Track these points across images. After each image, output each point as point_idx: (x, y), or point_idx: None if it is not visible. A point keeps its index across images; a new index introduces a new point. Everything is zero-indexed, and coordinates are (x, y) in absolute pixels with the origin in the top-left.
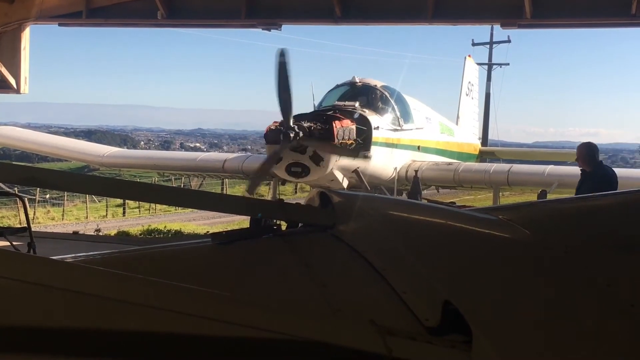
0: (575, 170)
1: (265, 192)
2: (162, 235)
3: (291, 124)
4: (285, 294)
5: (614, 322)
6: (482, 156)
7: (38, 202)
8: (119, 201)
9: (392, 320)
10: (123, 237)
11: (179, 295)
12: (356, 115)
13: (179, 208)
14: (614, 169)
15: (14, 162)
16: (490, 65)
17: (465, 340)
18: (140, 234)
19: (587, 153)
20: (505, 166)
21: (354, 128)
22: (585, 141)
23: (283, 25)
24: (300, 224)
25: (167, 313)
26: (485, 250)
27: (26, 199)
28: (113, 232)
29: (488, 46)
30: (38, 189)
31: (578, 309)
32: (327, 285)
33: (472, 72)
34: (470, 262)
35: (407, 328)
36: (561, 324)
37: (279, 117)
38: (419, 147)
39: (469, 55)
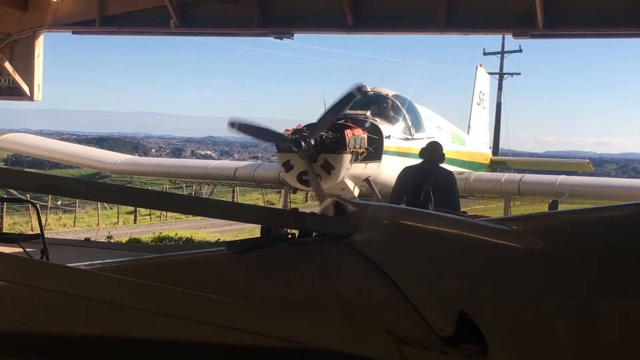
0: (588, 180)
1: (275, 200)
2: (173, 243)
3: (312, 139)
4: (301, 303)
5: (629, 332)
6: (493, 165)
7: (50, 208)
8: (130, 208)
9: (407, 329)
10: (135, 244)
11: (195, 304)
12: (367, 124)
13: (190, 215)
14: (625, 179)
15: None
16: (501, 75)
17: (480, 351)
18: (152, 241)
19: (435, 155)
20: (516, 176)
21: (366, 137)
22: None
23: (295, 34)
24: (314, 233)
25: (184, 321)
26: (500, 260)
27: (38, 205)
28: (124, 239)
29: (499, 56)
30: (50, 195)
31: (593, 320)
32: (342, 294)
33: (484, 82)
34: (485, 272)
35: (422, 338)
36: (576, 335)
37: (290, 125)
38: None
39: (481, 65)
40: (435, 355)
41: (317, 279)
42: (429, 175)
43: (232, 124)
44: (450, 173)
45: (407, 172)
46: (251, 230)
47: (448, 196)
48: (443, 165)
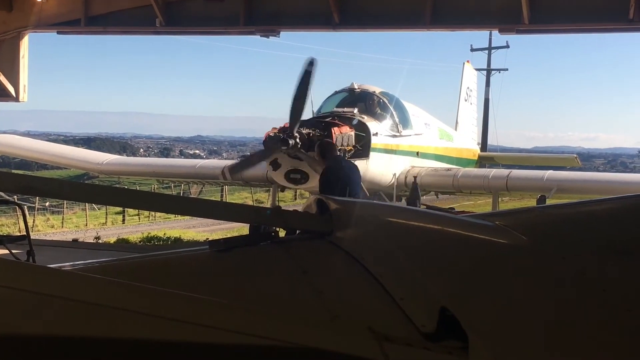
0: (576, 175)
1: (264, 198)
2: (161, 243)
3: (294, 132)
4: (283, 301)
5: (611, 327)
6: (481, 161)
7: (37, 210)
8: (119, 209)
9: (389, 326)
10: (122, 244)
11: (177, 303)
12: (355, 122)
13: (178, 215)
14: (612, 173)
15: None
16: (489, 71)
17: (461, 347)
18: (140, 242)
19: (321, 152)
20: (504, 172)
21: (353, 134)
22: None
23: (281, 32)
24: (297, 231)
25: (166, 321)
26: (482, 256)
27: (25, 207)
28: (112, 240)
29: (487, 52)
30: (37, 197)
31: (575, 314)
32: (324, 292)
33: (471, 78)
34: (467, 268)
35: (404, 334)
36: (558, 329)
37: (278, 124)
38: (417, 153)
39: (468, 61)
40: (416, 351)
41: (299, 277)
42: (351, 168)
43: (310, 64)
44: (355, 165)
45: (333, 171)
46: (240, 229)
47: (358, 187)
48: (437, 162)
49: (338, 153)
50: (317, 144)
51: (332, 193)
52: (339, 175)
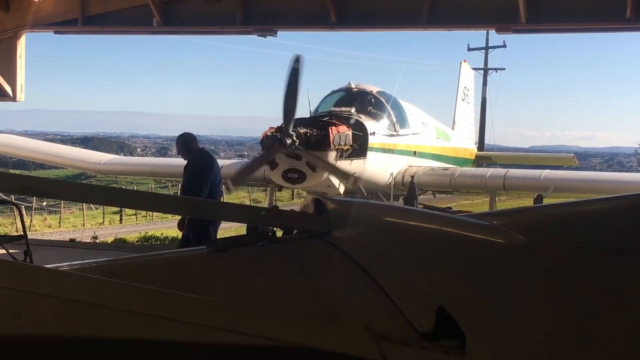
0: (572, 174)
1: (261, 198)
2: (159, 242)
3: (290, 131)
4: (280, 301)
5: (608, 326)
6: (478, 161)
7: (35, 209)
8: (116, 208)
9: (387, 326)
10: (120, 244)
11: (174, 303)
12: (352, 121)
13: (176, 215)
14: (610, 172)
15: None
16: (486, 70)
17: (459, 346)
18: (137, 241)
19: (182, 144)
20: (501, 171)
21: (350, 134)
22: (183, 132)
23: (279, 32)
24: (295, 231)
25: (163, 321)
26: (479, 255)
27: (22, 206)
28: (110, 240)
29: (484, 51)
30: (35, 196)
31: (572, 314)
32: (321, 292)
33: (468, 77)
34: (464, 267)
35: (401, 334)
36: (555, 329)
37: (276, 123)
38: (415, 153)
39: (465, 61)
40: (413, 350)
41: (297, 277)
42: (213, 162)
43: (296, 61)
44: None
45: (206, 162)
46: (238, 229)
47: (219, 182)
48: (434, 161)
49: (200, 146)
50: (178, 136)
51: (195, 187)
52: (212, 170)
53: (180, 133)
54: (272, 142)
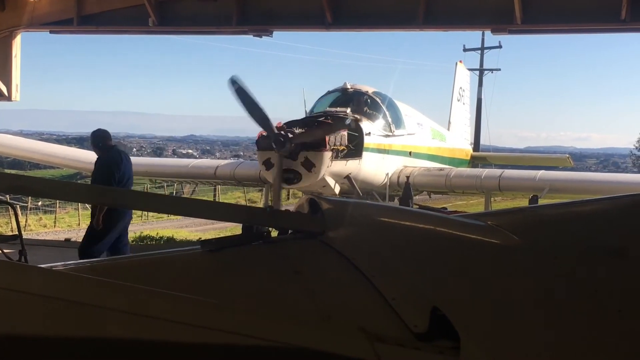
0: (568, 175)
1: (257, 198)
2: (154, 242)
3: (275, 131)
4: (275, 301)
5: (602, 327)
6: (474, 161)
7: (30, 209)
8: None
9: (381, 326)
10: None
11: (168, 303)
12: (348, 121)
13: (171, 215)
14: (605, 173)
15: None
16: (481, 71)
17: (453, 346)
18: (132, 241)
19: (93, 141)
20: (496, 171)
21: (346, 134)
22: (97, 129)
23: (274, 32)
24: (290, 231)
25: (157, 321)
26: (474, 256)
27: (18, 206)
28: None
29: (479, 52)
30: (30, 196)
31: (566, 314)
32: (316, 292)
33: (464, 78)
34: (459, 268)
35: (396, 334)
36: (550, 329)
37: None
38: (410, 153)
39: (460, 61)
40: (408, 351)
41: (291, 277)
42: (127, 159)
43: (233, 83)
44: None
45: (113, 159)
46: (233, 229)
47: (130, 180)
48: (429, 162)
49: (113, 143)
50: (92, 132)
51: (101, 183)
52: (119, 167)
53: (177, 133)
54: (268, 142)
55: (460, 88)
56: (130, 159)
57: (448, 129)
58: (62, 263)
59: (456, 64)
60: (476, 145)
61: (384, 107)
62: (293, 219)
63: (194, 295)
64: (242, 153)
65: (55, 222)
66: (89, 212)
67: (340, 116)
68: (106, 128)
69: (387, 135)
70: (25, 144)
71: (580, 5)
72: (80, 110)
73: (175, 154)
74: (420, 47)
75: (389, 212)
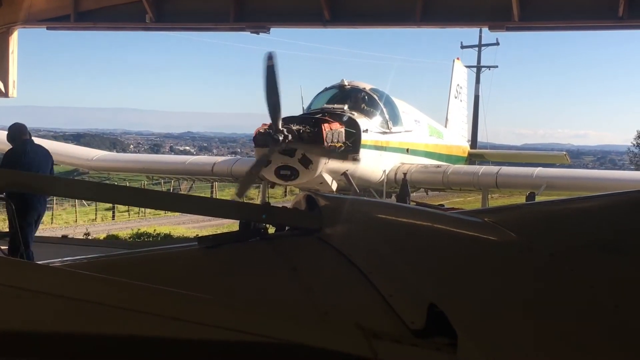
0: (565, 172)
1: (254, 195)
2: (151, 239)
3: (280, 127)
4: (272, 298)
5: (599, 323)
6: (471, 158)
7: None
8: (109, 205)
9: (378, 323)
10: (112, 240)
11: (165, 299)
12: (345, 118)
13: (168, 212)
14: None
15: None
16: (479, 68)
17: (450, 343)
18: (130, 238)
19: (8, 135)
20: (493, 168)
21: (343, 131)
22: (14, 123)
23: (272, 28)
24: (287, 228)
25: (155, 317)
26: (471, 252)
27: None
28: (102, 236)
29: (477, 49)
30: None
31: (563, 310)
32: (313, 289)
33: (461, 75)
34: (456, 264)
35: (393, 331)
36: (546, 325)
37: (269, 120)
38: (407, 150)
39: (458, 58)
40: (404, 347)
41: (288, 274)
42: (36, 152)
43: (269, 58)
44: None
45: (17, 153)
46: (230, 226)
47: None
48: (426, 159)
49: (28, 137)
50: (9, 127)
51: None
52: (20, 160)
53: (174, 130)
54: (265, 138)
55: (458, 85)
56: (46, 151)
57: (445, 126)
58: (60, 260)
59: (453, 61)
60: (473, 142)
61: (381, 104)
62: (290, 216)
63: (192, 292)
64: (239, 150)
65: (52, 218)
66: (86, 208)
67: (338, 113)
68: (104, 125)
69: (385, 132)
70: None
71: (577, 2)
72: (77, 107)
73: (172, 150)
74: (418, 44)
75: (386, 209)
